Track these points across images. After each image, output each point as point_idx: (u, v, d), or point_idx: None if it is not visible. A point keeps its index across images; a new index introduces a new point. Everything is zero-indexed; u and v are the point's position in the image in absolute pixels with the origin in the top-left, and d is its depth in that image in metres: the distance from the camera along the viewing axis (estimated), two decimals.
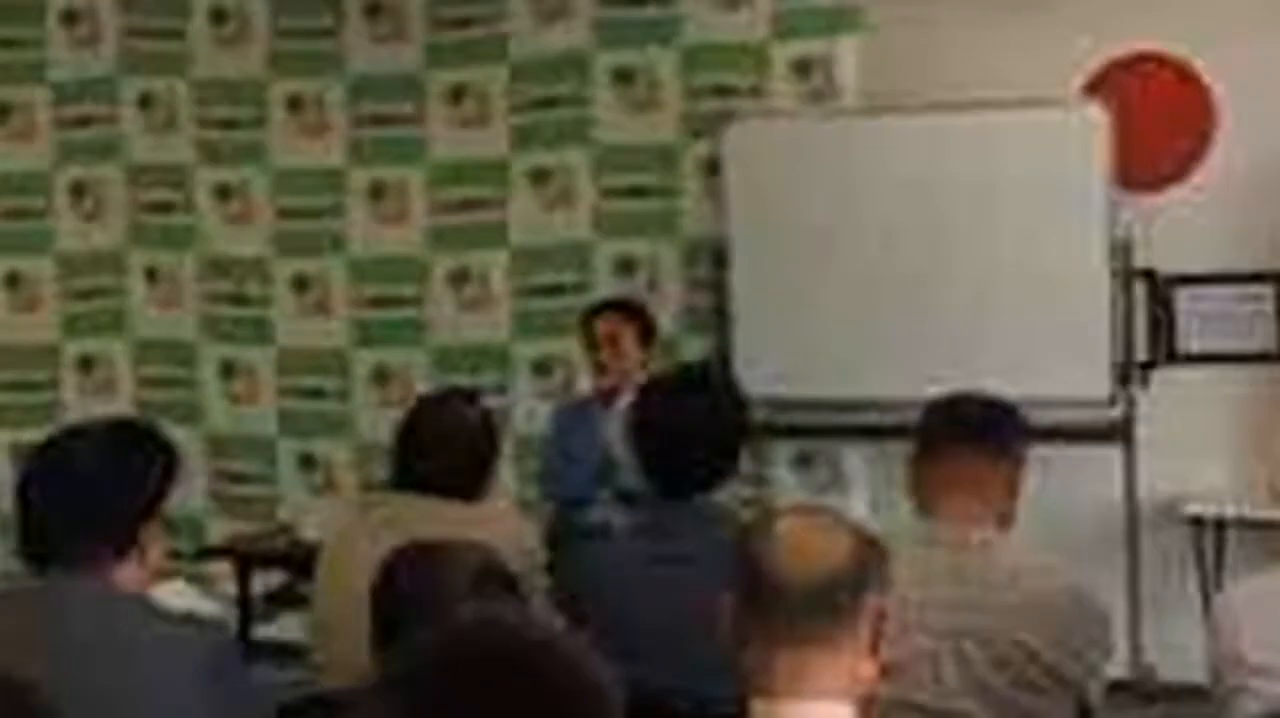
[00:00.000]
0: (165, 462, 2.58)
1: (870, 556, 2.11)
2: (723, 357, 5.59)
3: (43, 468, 2.51)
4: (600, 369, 5.20)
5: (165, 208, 6.39)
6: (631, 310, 5.30)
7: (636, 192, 5.93)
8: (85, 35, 6.37)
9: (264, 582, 5.60)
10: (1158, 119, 5.52)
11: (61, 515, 2.44)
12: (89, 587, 2.43)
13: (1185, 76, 5.57)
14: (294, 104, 6.27)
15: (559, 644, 1.54)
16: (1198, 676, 2.89)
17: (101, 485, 2.47)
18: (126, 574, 2.47)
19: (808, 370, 5.52)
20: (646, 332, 5.25)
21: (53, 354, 6.45)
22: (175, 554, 5.54)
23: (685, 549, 3.10)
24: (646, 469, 3.30)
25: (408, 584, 2.43)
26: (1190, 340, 5.63)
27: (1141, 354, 5.55)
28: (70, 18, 6.37)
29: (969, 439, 2.93)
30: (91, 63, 6.37)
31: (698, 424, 3.26)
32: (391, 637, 2.38)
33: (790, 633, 2.04)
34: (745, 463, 4.22)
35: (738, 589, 2.09)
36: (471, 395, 3.80)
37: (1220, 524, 5.51)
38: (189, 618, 2.57)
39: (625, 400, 5.08)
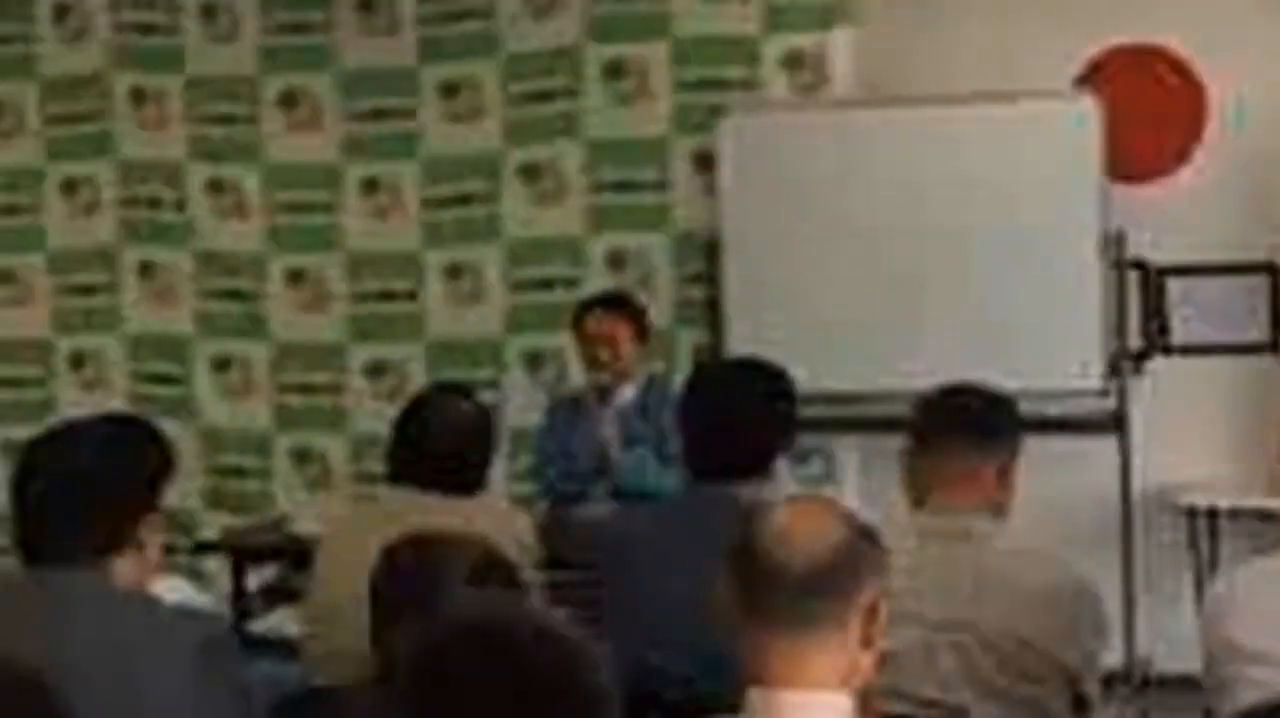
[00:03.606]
0: (161, 457, 2.59)
1: (865, 546, 2.12)
2: (715, 351, 5.59)
3: (40, 463, 2.51)
4: (596, 365, 5.13)
5: (158, 204, 6.37)
6: (625, 307, 5.22)
7: (628, 186, 5.92)
8: (76, 30, 6.35)
9: (259, 577, 5.59)
10: (1150, 111, 5.52)
11: (60, 511, 2.44)
12: (88, 582, 2.44)
13: (1178, 68, 5.57)
14: (286, 99, 6.25)
15: (557, 635, 1.55)
16: (1193, 666, 2.89)
17: (99, 481, 2.47)
18: (125, 569, 2.47)
19: (801, 364, 5.44)
20: (641, 328, 5.19)
21: (45, 351, 6.43)
22: (170, 549, 5.52)
23: (701, 536, 3.04)
24: (685, 451, 3.32)
25: (406, 577, 2.43)
26: (1183, 331, 5.63)
27: (1135, 345, 5.55)
28: (61, 12, 6.33)
29: (963, 432, 2.94)
30: (82, 58, 6.36)
31: (738, 414, 3.27)
32: (390, 630, 2.38)
33: (785, 622, 2.04)
34: None
35: (734, 578, 2.10)
36: (468, 391, 3.82)
37: (1214, 514, 5.52)
38: (186, 611, 2.57)
39: (624, 399, 5.09)
